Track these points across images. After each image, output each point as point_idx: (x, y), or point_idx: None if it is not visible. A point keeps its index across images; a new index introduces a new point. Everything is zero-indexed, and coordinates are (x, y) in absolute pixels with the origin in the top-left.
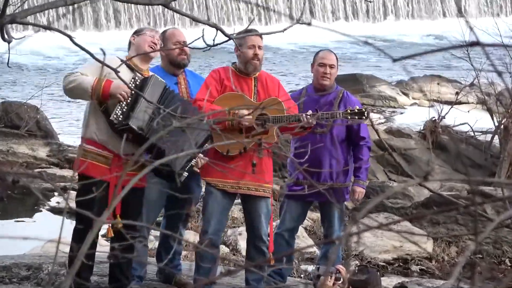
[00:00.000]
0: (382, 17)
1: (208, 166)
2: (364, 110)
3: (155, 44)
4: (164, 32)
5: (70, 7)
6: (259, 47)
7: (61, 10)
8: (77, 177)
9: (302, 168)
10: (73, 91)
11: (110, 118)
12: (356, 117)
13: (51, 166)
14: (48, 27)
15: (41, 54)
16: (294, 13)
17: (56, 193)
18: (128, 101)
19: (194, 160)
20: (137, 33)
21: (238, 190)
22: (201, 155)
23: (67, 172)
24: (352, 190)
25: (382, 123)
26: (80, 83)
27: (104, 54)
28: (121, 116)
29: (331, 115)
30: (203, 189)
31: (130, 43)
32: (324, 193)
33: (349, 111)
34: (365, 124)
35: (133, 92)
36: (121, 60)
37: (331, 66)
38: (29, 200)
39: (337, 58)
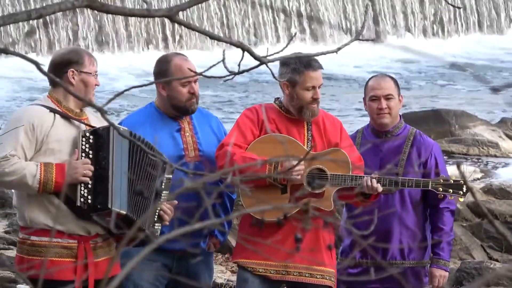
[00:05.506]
0: (485, 28)
1: (241, 243)
2: (462, 182)
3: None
4: (166, 60)
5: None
6: (319, 87)
7: (15, 30)
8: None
9: (361, 241)
10: (9, 186)
11: (77, 204)
12: (451, 190)
13: (11, 247)
14: (7, 51)
15: None
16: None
17: (22, 285)
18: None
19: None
20: (75, 66)
21: (286, 277)
22: (166, 204)
23: None
24: (430, 273)
25: (479, 179)
26: (21, 178)
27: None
28: (90, 198)
29: (415, 183)
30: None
31: (60, 77)
32: (394, 277)
33: (442, 180)
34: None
35: (90, 156)
36: (53, 110)
37: (387, 97)
38: None
39: (396, 84)
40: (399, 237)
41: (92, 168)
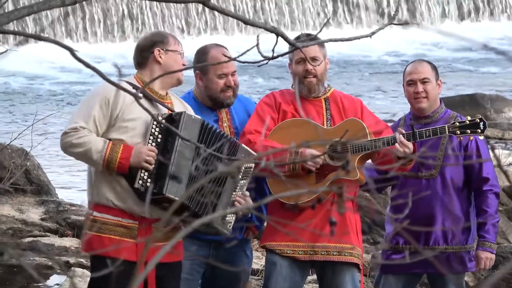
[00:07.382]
0: None
1: (269, 227)
2: (478, 120)
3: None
4: (204, 51)
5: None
6: (314, 59)
7: (48, 15)
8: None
9: (403, 227)
10: (76, 157)
11: (135, 186)
12: (468, 131)
13: (48, 234)
14: (40, 37)
15: (26, 74)
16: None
17: (57, 270)
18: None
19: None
20: (161, 45)
21: (314, 256)
22: (245, 193)
23: (70, 242)
24: (476, 256)
25: None
26: (86, 152)
27: (120, 73)
28: (148, 182)
29: (432, 132)
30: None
31: (147, 57)
32: (437, 262)
33: (457, 124)
34: (490, 162)
35: (159, 141)
36: (135, 87)
37: (424, 81)
38: (18, 280)
39: (434, 68)
40: (442, 222)
41: (155, 156)
